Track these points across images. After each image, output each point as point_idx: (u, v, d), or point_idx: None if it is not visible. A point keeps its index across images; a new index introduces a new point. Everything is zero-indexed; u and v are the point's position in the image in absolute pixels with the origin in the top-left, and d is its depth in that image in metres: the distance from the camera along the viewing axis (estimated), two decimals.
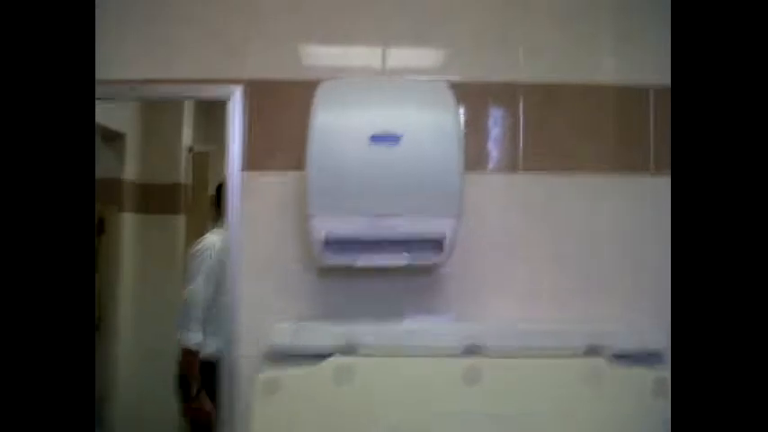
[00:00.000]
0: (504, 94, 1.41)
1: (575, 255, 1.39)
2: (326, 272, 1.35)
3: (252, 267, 1.35)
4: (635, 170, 1.40)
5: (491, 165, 1.41)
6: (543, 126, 1.40)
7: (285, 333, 1.27)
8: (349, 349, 1.27)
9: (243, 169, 1.36)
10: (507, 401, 1.25)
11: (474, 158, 1.36)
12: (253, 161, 1.36)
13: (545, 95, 1.41)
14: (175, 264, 1.49)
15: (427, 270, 1.36)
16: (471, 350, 1.29)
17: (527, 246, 1.39)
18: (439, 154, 1.21)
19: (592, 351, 1.29)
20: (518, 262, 1.39)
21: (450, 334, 1.31)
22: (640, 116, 1.41)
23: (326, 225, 1.20)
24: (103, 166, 1.25)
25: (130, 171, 1.65)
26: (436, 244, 1.26)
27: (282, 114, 1.36)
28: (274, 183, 1.36)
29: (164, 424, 1.47)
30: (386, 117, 1.21)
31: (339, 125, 1.20)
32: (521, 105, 1.40)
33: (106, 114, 1.38)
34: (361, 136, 1.18)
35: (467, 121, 1.38)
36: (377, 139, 1.19)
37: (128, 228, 2.34)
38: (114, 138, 1.47)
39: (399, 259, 1.26)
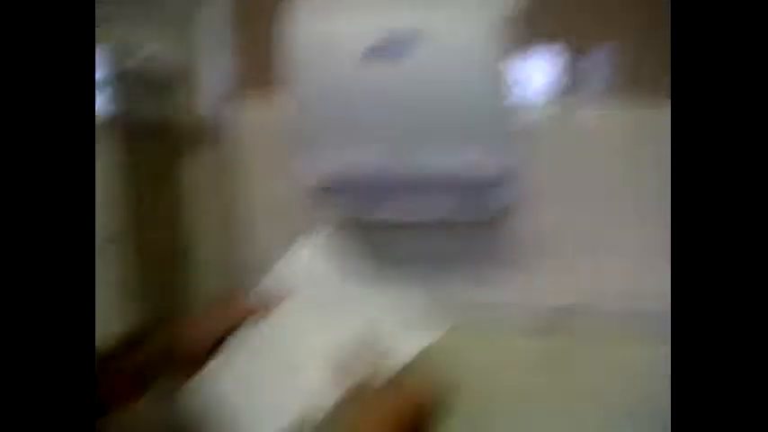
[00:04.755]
0: None
1: None
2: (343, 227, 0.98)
3: (250, 222, 1.03)
4: None
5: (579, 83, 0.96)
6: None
7: None
8: None
9: (229, 95, 1.01)
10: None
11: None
12: (243, 81, 1.01)
13: None
14: None
15: (485, 224, 0.96)
16: (550, 328, 0.90)
17: (641, 188, 0.94)
18: (478, 54, 0.80)
19: None
20: (626, 213, 0.94)
21: (517, 311, 0.92)
22: None
23: (320, 163, 0.84)
24: None
25: None
26: (493, 185, 0.87)
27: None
28: (272, 111, 1.00)
29: None
30: (395, 16, 0.81)
31: (326, 33, 0.81)
32: None
33: None
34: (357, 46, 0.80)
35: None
36: (375, 52, 0.80)
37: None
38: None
39: (434, 210, 0.88)
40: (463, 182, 0.85)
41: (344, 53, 0.79)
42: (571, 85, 0.94)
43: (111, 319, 0.92)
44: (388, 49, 0.79)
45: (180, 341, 0.69)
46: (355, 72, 0.79)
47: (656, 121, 0.86)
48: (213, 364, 0.69)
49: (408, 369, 0.67)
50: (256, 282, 0.75)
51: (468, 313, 0.93)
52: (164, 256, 1.06)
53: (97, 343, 0.45)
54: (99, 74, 0.91)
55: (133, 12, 0.98)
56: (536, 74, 0.96)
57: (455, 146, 0.81)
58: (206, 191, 1.06)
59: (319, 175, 0.84)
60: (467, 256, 0.95)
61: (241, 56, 1.01)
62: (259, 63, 0.97)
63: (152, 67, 1.00)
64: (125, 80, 0.96)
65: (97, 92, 0.91)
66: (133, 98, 0.98)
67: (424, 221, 0.90)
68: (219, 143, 1.03)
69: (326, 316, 0.70)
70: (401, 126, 0.80)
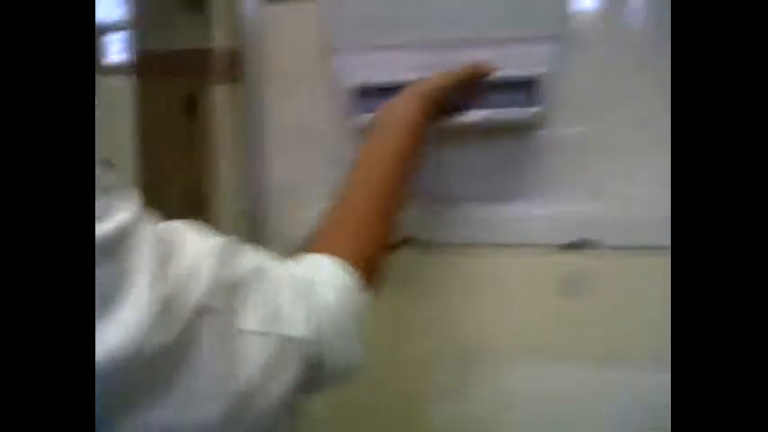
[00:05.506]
0: None
1: None
2: None
3: (278, 138, 1.01)
4: None
5: None
6: None
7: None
8: (403, 242, 0.94)
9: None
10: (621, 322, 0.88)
11: None
12: None
13: None
14: None
15: (515, 131, 0.93)
16: (576, 246, 0.91)
17: None
18: None
19: None
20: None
21: (544, 224, 0.93)
22: None
23: (359, 65, 0.84)
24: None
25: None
26: (526, 89, 0.87)
27: None
28: (304, 17, 0.94)
29: None
30: None
31: None
32: None
33: None
34: None
35: None
36: None
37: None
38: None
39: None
40: (501, 86, 0.85)
41: None
42: None
43: None
44: None
45: None
46: None
47: None
48: None
49: None
50: None
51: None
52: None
53: None
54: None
55: None
56: None
57: (498, 47, 0.81)
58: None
59: (356, 79, 0.84)
60: (496, 165, 0.95)
61: None
62: None
63: None
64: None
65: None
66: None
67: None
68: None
69: None
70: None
